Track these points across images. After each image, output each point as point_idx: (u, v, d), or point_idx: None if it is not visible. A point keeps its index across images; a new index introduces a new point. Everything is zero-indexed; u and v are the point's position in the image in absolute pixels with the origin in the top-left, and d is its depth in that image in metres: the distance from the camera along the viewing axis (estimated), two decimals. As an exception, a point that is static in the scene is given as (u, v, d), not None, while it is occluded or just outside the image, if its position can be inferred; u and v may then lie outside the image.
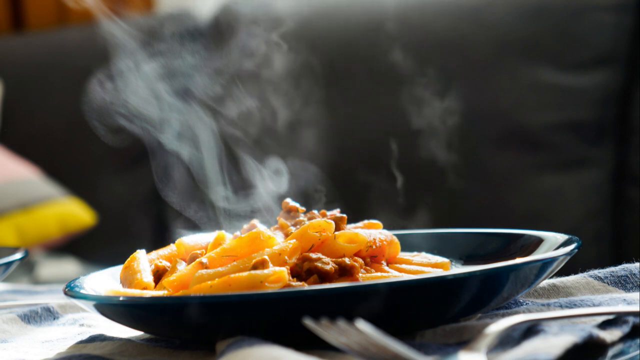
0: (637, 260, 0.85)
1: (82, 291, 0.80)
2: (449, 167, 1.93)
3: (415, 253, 0.88)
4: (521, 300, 0.81)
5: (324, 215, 0.87)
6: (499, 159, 1.93)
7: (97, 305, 0.75)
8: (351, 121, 2.06)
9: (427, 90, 1.97)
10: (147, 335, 0.82)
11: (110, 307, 0.75)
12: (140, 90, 1.07)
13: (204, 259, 0.79)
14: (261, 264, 0.75)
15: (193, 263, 0.79)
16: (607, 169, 1.89)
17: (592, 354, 0.68)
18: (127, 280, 0.82)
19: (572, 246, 0.78)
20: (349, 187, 1.91)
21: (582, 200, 1.89)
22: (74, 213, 2.23)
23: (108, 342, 0.78)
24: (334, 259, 0.78)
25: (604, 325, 0.71)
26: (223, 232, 0.85)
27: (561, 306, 0.77)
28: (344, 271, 0.77)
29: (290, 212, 0.88)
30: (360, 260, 0.79)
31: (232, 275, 0.74)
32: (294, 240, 0.79)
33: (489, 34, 1.96)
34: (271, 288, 0.73)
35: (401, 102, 1.78)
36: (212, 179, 1.10)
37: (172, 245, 0.88)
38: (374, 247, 0.81)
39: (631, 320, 0.71)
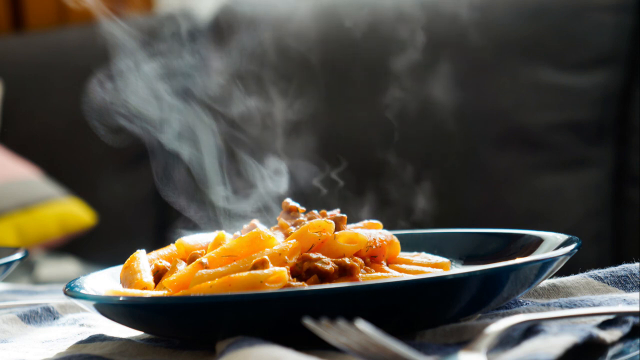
0: (637, 260, 0.85)
1: (82, 291, 0.80)
2: (449, 169, 1.93)
3: (415, 253, 0.88)
4: (521, 300, 0.81)
5: (324, 215, 0.87)
6: (499, 159, 1.93)
7: (97, 305, 0.75)
8: (350, 121, 2.06)
9: (427, 90, 1.97)
10: (147, 335, 0.82)
11: (110, 307, 0.75)
12: (140, 90, 1.07)
13: (204, 259, 0.79)
14: (261, 264, 0.75)
15: (193, 263, 0.79)
16: (607, 169, 1.89)
17: (592, 354, 0.68)
18: (127, 280, 0.82)
19: (572, 246, 0.78)
20: (348, 187, 1.91)
21: (582, 200, 1.89)
22: (74, 213, 2.23)
23: (108, 342, 0.78)
24: (334, 259, 0.78)
25: (604, 325, 0.71)
26: (223, 232, 0.85)
27: (561, 306, 0.77)
28: (344, 271, 0.77)
29: (290, 212, 0.89)
30: (360, 260, 0.79)
31: (232, 275, 0.74)
32: (294, 240, 0.79)
33: (489, 34, 1.96)
34: (271, 288, 0.73)
35: (400, 102, 1.78)
36: (212, 179, 1.10)
37: (172, 245, 0.88)
38: (374, 247, 0.81)
39: (631, 320, 0.71)
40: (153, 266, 0.84)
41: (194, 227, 1.06)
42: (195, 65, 1.26)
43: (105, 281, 0.86)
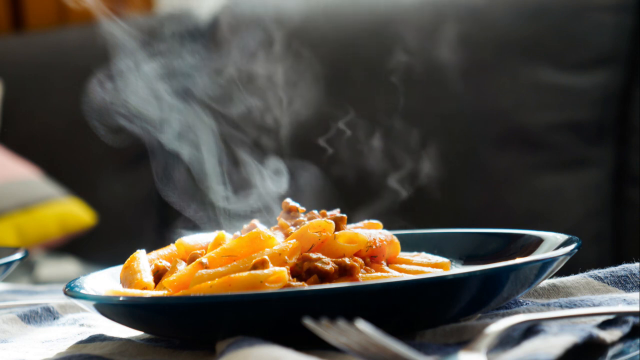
0: (637, 260, 0.85)
1: (82, 291, 0.80)
2: (451, 170, 1.93)
3: (415, 253, 0.88)
4: (521, 300, 0.81)
5: (324, 215, 0.87)
6: (499, 159, 1.93)
7: (97, 305, 0.75)
8: (350, 122, 2.05)
9: (427, 91, 1.97)
10: (147, 335, 0.82)
11: (110, 307, 0.75)
12: (140, 90, 1.07)
13: (204, 259, 0.79)
14: (261, 264, 0.75)
15: (193, 263, 0.79)
16: (607, 169, 1.89)
17: (592, 354, 0.68)
18: (127, 280, 0.82)
19: (572, 246, 0.78)
20: (348, 187, 1.91)
21: (582, 200, 1.89)
22: (74, 213, 2.23)
23: (108, 342, 0.78)
24: (334, 259, 0.78)
25: (604, 325, 0.71)
26: (223, 232, 0.85)
27: (561, 306, 0.77)
28: (344, 271, 0.77)
29: (290, 212, 0.89)
30: (360, 260, 0.79)
31: (232, 275, 0.74)
32: (294, 240, 0.79)
33: (489, 34, 1.96)
34: (271, 288, 0.73)
35: (401, 103, 1.78)
36: (212, 179, 1.10)
37: (172, 245, 0.88)
38: (374, 247, 0.81)
39: (631, 320, 0.71)
40: (153, 266, 0.84)
41: (194, 227, 1.06)
42: (195, 65, 1.26)
43: (105, 281, 0.86)
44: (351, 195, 1.72)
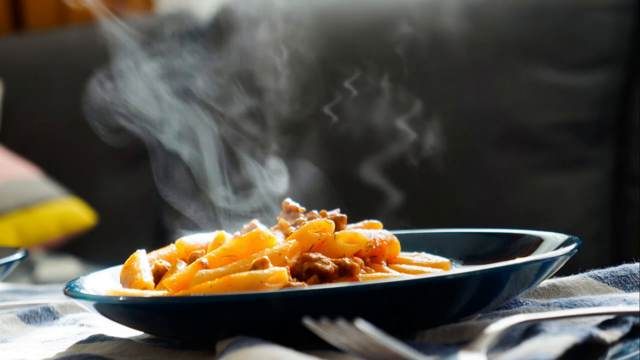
0: (637, 260, 0.85)
1: (82, 291, 0.80)
2: (451, 170, 1.93)
3: (415, 253, 0.88)
4: (521, 300, 0.81)
5: (324, 215, 0.87)
6: (499, 159, 1.93)
7: (97, 305, 0.75)
8: (350, 122, 2.06)
9: (427, 90, 1.97)
10: (147, 335, 0.82)
11: (110, 307, 0.75)
12: (140, 90, 1.07)
13: (204, 259, 0.79)
14: (261, 264, 0.75)
15: (193, 263, 0.80)
16: (607, 169, 1.89)
17: (592, 354, 0.68)
18: (127, 280, 0.82)
19: (572, 246, 0.78)
20: (349, 188, 1.91)
21: (582, 200, 1.89)
22: (74, 213, 2.23)
23: (108, 342, 0.78)
24: (334, 259, 0.78)
25: (604, 325, 0.71)
26: (223, 232, 0.85)
27: (561, 306, 0.77)
28: (344, 271, 0.77)
29: (290, 212, 0.88)
30: (360, 260, 0.79)
31: (232, 275, 0.74)
32: (294, 240, 0.79)
33: (489, 34, 1.96)
34: (271, 288, 0.73)
35: (402, 102, 1.78)
36: (212, 179, 1.10)
37: (172, 245, 0.88)
38: (374, 247, 0.81)
39: (631, 320, 0.71)
40: (153, 266, 0.84)
41: (194, 227, 1.06)
42: (195, 65, 1.26)
43: (105, 281, 0.86)
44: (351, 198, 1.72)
